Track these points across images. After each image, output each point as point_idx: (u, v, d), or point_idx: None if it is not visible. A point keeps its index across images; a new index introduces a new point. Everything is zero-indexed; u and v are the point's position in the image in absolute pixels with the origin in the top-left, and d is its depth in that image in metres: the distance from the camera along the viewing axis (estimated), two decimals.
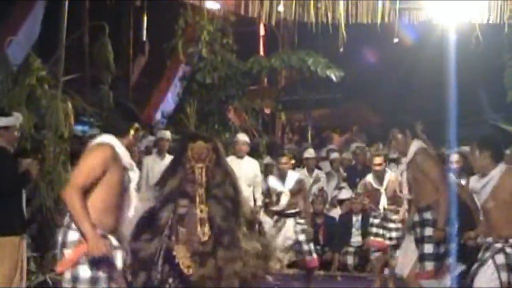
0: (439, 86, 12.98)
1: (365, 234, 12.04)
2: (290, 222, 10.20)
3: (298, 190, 10.10)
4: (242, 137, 11.17)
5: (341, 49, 12.43)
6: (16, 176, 7.55)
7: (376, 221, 10.48)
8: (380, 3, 12.36)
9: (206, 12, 13.76)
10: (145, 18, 17.60)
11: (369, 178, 10.73)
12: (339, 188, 13.37)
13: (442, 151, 11.95)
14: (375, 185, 10.60)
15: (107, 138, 5.29)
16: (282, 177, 10.26)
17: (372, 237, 10.53)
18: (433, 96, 15.10)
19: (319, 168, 13.51)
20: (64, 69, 10.14)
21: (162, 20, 15.76)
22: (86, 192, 5.14)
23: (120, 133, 5.34)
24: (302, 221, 10.16)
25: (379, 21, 12.36)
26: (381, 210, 10.46)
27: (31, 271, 9.02)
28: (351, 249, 12.33)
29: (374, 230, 10.49)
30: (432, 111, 15.29)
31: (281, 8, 12.75)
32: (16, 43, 10.96)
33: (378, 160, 10.65)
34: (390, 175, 10.60)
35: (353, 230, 12.42)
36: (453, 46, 12.13)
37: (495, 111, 15.71)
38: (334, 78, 14.28)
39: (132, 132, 5.40)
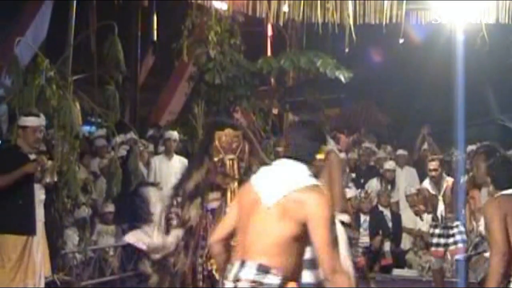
0: (447, 87, 12.95)
1: (373, 234, 12.01)
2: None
3: None
4: None
5: (347, 50, 12.41)
6: (23, 177, 7.50)
7: (437, 231, 9.97)
8: (387, 3, 12.34)
9: (214, 12, 13.73)
10: (155, 18, 17.56)
11: (426, 183, 10.19)
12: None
13: (452, 151, 11.92)
14: (432, 191, 10.03)
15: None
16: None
17: (433, 248, 10.00)
18: (441, 96, 15.05)
19: None
20: (71, 69, 10.13)
21: (171, 20, 15.74)
22: None
23: (307, 158, 4.18)
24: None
25: (387, 21, 12.35)
26: (439, 218, 9.95)
27: None
28: (359, 249, 12.29)
29: (435, 240, 9.97)
30: (440, 112, 15.25)
31: (286, 8, 12.75)
32: (24, 43, 10.95)
33: (433, 164, 10.01)
34: (447, 180, 10.05)
35: (361, 230, 12.36)
36: (461, 46, 12.10)
37: (503, 111, 15.68)
38: (343, 79, 14.22)
39: (319, 156, 4.34)
